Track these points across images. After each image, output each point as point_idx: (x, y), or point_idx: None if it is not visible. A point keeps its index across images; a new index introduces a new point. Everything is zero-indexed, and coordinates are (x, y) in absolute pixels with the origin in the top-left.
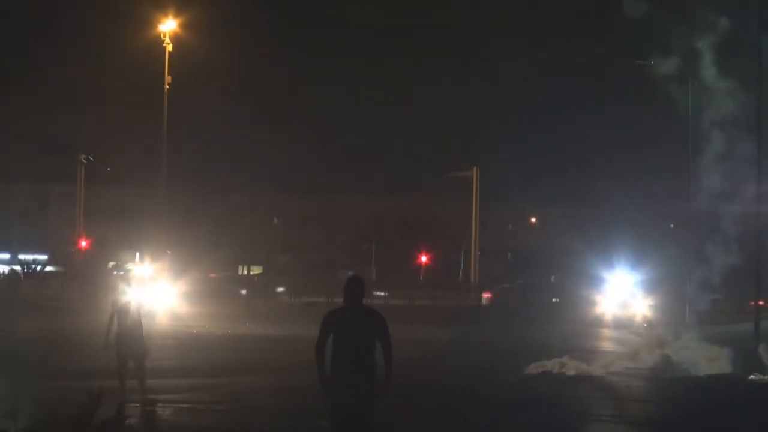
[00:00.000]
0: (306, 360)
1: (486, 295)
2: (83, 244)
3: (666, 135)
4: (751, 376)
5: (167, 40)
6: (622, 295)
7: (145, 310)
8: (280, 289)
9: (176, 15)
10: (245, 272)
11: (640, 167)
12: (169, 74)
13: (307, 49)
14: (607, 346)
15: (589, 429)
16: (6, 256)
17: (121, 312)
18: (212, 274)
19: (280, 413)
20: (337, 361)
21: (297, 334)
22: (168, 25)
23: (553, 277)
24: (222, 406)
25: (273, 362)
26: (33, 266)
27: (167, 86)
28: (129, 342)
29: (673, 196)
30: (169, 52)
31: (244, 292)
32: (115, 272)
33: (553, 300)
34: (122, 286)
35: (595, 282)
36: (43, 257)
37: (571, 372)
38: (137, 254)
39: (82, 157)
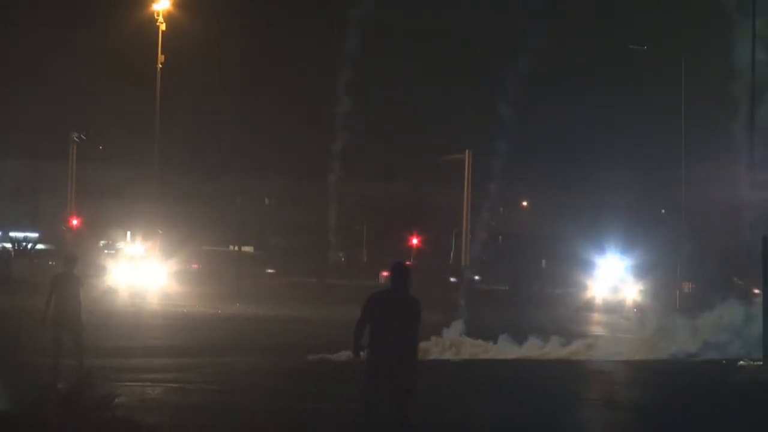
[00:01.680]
0: (297, 340)
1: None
2: (74, 222)
3: (659, 120)
4: (741, 362)
5: (161, 19)
6: (612, 280)
7: (84, 288)
8: (270, 270)
9: None
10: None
11: (633, 153)
12: (162, 53)
13: (301, 31)
14: (594, 330)
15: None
16: None
17: (57, 288)
18: (195, 265)
19: (271, 393)
20: (376, 343)
21: (287, 315)
22: (161, 4)
23: (543, 262)
24: (212, 386)
25: (263, 342)
26: (24, 244)
27: (160, 65)
28: (63, 319)
29: (667, 183)
30: (163, 31)
31: (271, 270)
32: (106, 251)
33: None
34: (65, 263)
35: (586, 267)
36: (34, 235)
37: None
38: (128, 233)
39: (75, 135)
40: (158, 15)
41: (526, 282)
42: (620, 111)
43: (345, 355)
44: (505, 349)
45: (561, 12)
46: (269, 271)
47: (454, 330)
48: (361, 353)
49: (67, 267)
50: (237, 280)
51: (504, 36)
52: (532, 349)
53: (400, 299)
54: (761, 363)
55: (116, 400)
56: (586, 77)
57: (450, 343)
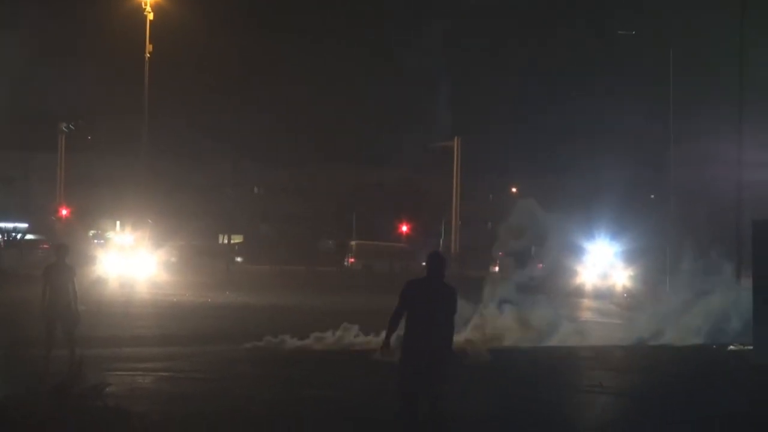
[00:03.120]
0: (285, 328)
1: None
2: (64, 212)
3: (647, 105)
4: (731, 347)
5: (148, 8)
6: (602, 266)
7: (76, 279)
8: (238, 259)
9: None
10: (225, 241)
11: (623, 138)
12: (150, 43)
13: (291, 20)
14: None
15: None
16: None
17: (50, 279)
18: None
19: (263, 381)
20: (413, 330)
21: (276, 303)
22: None
23: (533, 249)
24: (202, 374)
25: (252, 330)
26: (13, 234)
27: (148, 55)
28: (56, 310)
29: (656, 167)
30: (150, 20)
31: (239, 259)
32: (95, 241)
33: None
34: (56, 253)
35: (576, 252)
36: (24, 225)
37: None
38: (118, 223)
39: (63, 125)
40: (146, 4)
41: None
42: (611, 95)
43: (318, 339)
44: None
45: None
46: (238, 259)
47: None
48: (390, 344)
49: (59, 257)
50: (227, 268)
51: (493, 25)
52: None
53: (437, 288)
54: (751, 347)
55: (107, 390)
56: (578, 64)
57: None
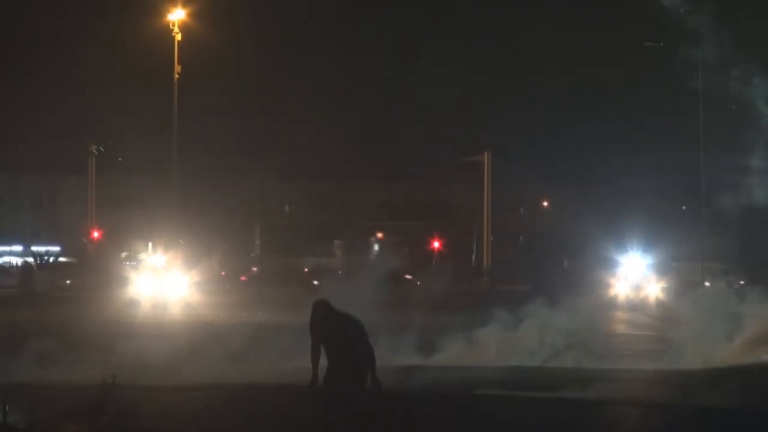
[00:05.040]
0: None
1: None
2: (95, 234)
3: (677, 116)
4: None
5: (176, 29)
6: (635, 278)
7: None
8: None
9: (184, 4)
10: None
11: (652, 149)
12: (178, 63)
13: (317, 34)
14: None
15: None
16: (19, 247)
17: None
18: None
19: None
20: None
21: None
22: (177, 14)
23: (565, 261)
24: (237, 394)
25: (287, 349)
26: (46, 257)
27: (177, 75)
28: None
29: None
30: (179, 41)
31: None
32: (127, 262)
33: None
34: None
35: (608, 265)
36: (56, 248)
37: None
38: (149, 244)
39: (93, 147)
40: (174, 25)
41: (548, 282)
42: (641, 106)
43: None
44: None
45: (575, 13)
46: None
47: None
48: None
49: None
50: (259, 288)
51: (522, 38)
52: None
53: None
54: None
55: (140, 410)
56: (608, 75)
57: None
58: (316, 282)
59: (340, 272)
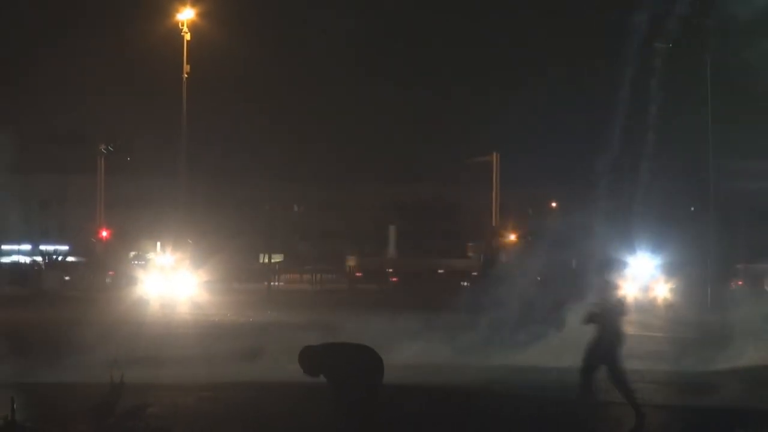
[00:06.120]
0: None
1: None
2: (104, 234)
3: (685, 115)
4: None
5: (185, 29)
6: (643, 279)
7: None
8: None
9: (194, 4)
10: (266, 260)
11: (662, 150)
12: (187, 63)
13: (327, 36)
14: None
15: None
16: (27, 247)
17: None
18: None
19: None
20: None
21: (318, 321)
22: (186, 14)
23: (574, 262)
24: (246, 395)
25: (296, 348)
26: (54, 257)
27: (186, 75)
28: None
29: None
30: (188, 41)
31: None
32: (136, 262)
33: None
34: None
35: (617, 266)
36: (65, 248)
37: None
38: (158, 244)
39: (102, 147)
40: (183, 25)
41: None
42: (646, 107)
43: None
44: None
45: (583, 15)
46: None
47: None
48: None
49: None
50: (267, 287)
51: (529, 41)
52: None
53: None
54: None
55: (148, 410)
56: (613, 76)
57: None
58: (464, 283)
59: (474, 274)
